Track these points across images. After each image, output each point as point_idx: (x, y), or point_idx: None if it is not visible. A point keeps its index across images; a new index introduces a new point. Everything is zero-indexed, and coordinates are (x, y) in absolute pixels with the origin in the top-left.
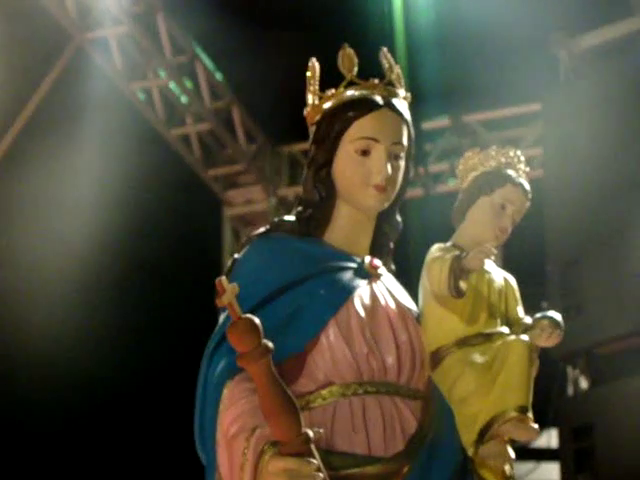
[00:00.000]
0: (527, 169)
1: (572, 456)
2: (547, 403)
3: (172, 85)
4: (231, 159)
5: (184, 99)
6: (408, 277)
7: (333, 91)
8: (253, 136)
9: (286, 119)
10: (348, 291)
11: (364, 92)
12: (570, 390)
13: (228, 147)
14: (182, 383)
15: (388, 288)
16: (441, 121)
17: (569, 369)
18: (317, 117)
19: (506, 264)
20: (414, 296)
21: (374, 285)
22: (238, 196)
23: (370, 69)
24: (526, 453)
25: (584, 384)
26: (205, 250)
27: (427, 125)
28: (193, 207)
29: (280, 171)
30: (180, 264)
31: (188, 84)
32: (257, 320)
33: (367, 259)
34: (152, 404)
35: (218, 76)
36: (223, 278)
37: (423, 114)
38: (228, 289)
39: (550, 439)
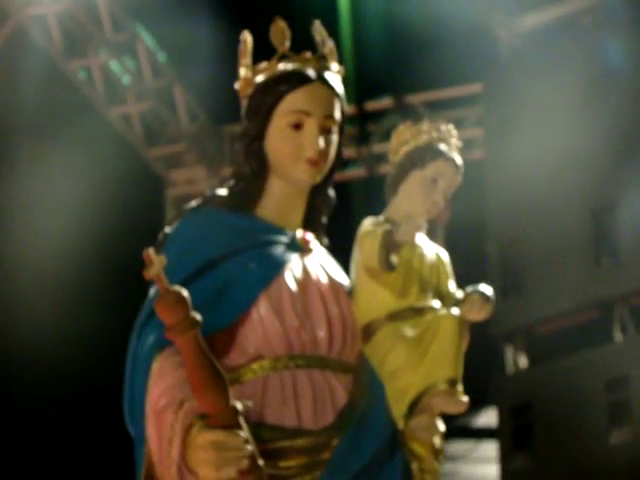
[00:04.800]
0: (459, 143)
1: (511, 434)
2: (486, 382)
3: (113, 64)
4: (173, 138)
5: (125, 78)
6: (350, 256)
7: (265, 64)
8: (195, 115)
9: (228, 98)
10: (279, 265)
11: (296, 65)
12: (509, 369)
13: (170, 126)
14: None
15: (320, 262)
16: (384, 102)
17: (508, 348)
18: (249, 90)
19: (447, 244)
20: (349, 271)
21: (306, 259)
22: (181, 176)
23: (315, 45)
24: (465, 432)
25: (523, 363)
26: (147, 231)
27: (371, 105)
28: (135, 187)
29: (223, 151)
30: (121, 245)
31: (129, 63)
32: (185, 292)
33: (299, 233)
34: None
35: (160, 55)
36: (151, 250)
37: (367, 95)
38: (156, 261)
39: (489, 418)
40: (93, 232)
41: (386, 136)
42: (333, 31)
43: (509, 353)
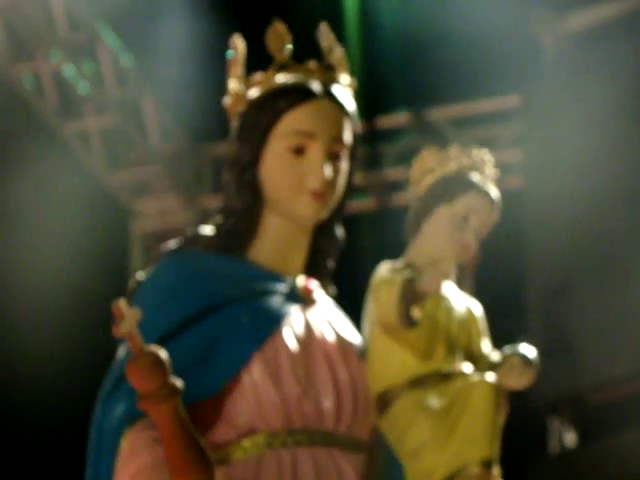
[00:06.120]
0: (496, 173)
1: None
2: (525, 463)
3: (67, 69)
4: (141, 161)
5: (82, 86)
6: (358, 306)
7: (260, 76)
8: (168, 133)
9: (210, 113)
10: (276, 319)
11: (298, 77)
12: (554, 447)
13: (137, 146)
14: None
15: (326, 316)
16: (399, 117)
17: (553, 421)
18: (240, 107)
19: (478, 292)
20: (360, 326)
21: (308, 312)
22: (150, 206)
23: (315, 54)
24: None
25: (571, 440)
26: (109, 274)
27: (382, 122)
28: (94, 220)
29: (202, 176)
30: (79, 291)
31: (87, 68)
32: (163, 353)
33: (300, 281)
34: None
35: (125, 59)
36: (122, 301)
37: (378, 108)
38: (128, 315)
39: None
40: (42, 275)
41: (401, 159)
42: (338, 31)
43: (554, 428)
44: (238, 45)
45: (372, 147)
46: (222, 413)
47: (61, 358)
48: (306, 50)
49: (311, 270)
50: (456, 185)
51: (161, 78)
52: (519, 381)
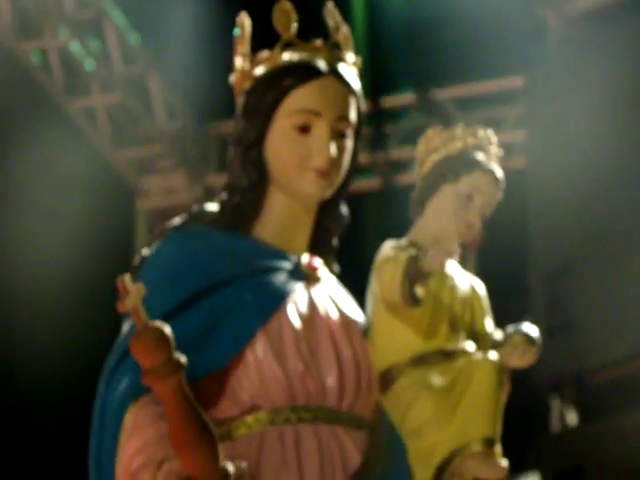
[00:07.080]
0: (500, 152)
1: None
2: (527, 441)
3: (74, 46)
4: (147, 138)
5: (88, 63)
6: (362, 284)
7: (266, 54)
8: (174, 111)
9: (216, 92)
10: (281, 296)
11: (304, 55)
12: (555, 426)
13: (143, 124)
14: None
15: (329, 294)
16: (405, 97)
17: (554, 400)
18: (246, 85)
19: (480, 273)
20: (364, 305)
21: (312, 290)
22: (156, 184)
23: (320, 33)
24: None
25: (572, 419)
26: (115, 251)
27: (388, 102)
28: (100, 197)
29: (207, 154)
30: (85, 268)
31: (94, 45)
32: (167, 329)
33: (305, 258)
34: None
35: (131, 36)
36: (126, 277)
37: (383, 89)
38: (133, 290)
39: None
40: (47, 252)
41: (406, 139)
42: (343, 11)
43: (555, 407)
44: (244, 23)
45: (377, 127)
46: (225, 389)
47: (66, 337)
48: (312, 28)
49: (315, 248)
50: (461, 164)
51: (167, 56)
52: (522, 360)
